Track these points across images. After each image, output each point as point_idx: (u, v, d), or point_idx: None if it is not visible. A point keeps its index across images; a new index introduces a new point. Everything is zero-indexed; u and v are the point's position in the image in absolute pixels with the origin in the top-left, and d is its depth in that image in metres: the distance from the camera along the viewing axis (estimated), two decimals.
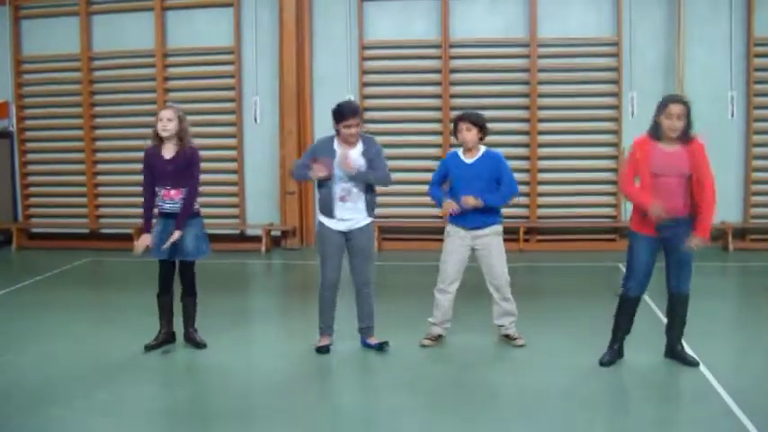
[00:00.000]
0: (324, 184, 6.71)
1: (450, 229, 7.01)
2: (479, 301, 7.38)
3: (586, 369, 6.31)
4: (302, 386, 6.20)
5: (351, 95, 13.19)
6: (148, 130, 13.70)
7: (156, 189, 6.76)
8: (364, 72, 13.30)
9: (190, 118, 14.10)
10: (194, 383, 6.33)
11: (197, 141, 13.63)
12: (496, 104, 13.01)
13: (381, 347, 6.86)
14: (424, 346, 7.05)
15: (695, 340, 6.90)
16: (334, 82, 13.28)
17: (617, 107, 12.71)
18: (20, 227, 13.98)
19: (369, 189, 6.76)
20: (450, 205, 6.84)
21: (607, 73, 12.96)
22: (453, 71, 13.14)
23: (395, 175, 13.00)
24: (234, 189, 13.62)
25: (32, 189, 14.24)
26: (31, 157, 14.20)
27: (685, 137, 6.11)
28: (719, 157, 12.51)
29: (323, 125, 13.26)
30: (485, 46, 13.11)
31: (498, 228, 7.00)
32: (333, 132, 6.84)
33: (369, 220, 6.81)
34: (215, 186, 13.49)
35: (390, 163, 13.06)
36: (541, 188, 13.04)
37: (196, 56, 13.60)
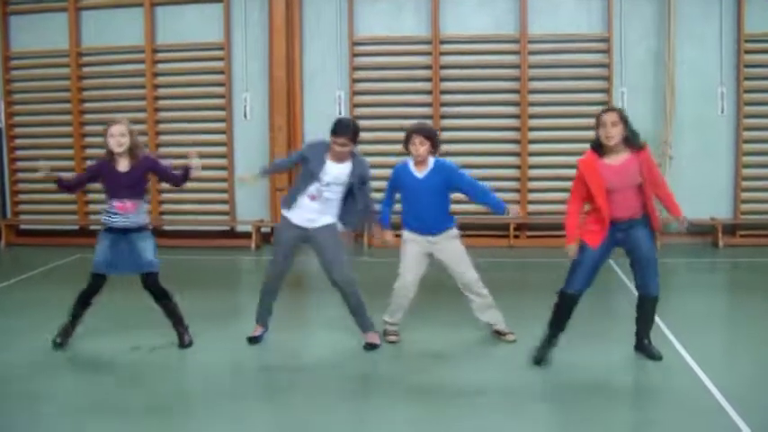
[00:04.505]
0: (300, 182, 6.78)
1: (407, 235, 7.02)
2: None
3: (577, 365, 6.31)
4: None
5: (341, 91, 13.20)
6: (138, 127, 13.71)
7: (109, 202, 6.72)
8: (354, 68, 13.27)
9: (179, 114, 14.16)
10: (178, 380, 6.32)
11: (187, 137, 13.70)
12: (487, 100, 13.02)
13: (368, 347, 6.88)
14: (390, 342, 7.08)
15: (685, 337, 6.94)
16: (324, 78, 13.27)
17: (607, 103, 12.69)
18: (8, 223, 13.92)
19: (340, 200, 6.79)
20: (387, 236, 7.12)
21: (597, 69, 12.96)
22: (443, 67, 13.12)
23: (385, 171, 13.05)
24: (224, 185, 13.59)
25: (21, 185, 14.14)
26: (19, 153, 14.10)
27: (632, 145, 6.11)
28: (709, 152, 12.66)
29: (313, 121, 13.26)
30: (475, 42, 13.10)
31: (453, 231, 7.02)
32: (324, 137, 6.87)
33: (333, 220, 6.85)
34: (205, 183, 13.45)
35: (380, 159, 13.04)
36: (532, 184, 13.04)
37: (185, 52, 13.54)
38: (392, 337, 7.12)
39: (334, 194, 6.73)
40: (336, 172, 6.69)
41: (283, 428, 5.29)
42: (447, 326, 7.54)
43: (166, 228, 13.74)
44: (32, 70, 13.98)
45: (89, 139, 13.78)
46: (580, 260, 6.25)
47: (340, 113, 13.16)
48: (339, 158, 6.70)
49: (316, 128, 13.12)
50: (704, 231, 12.83)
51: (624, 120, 6.06)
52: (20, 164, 14.11)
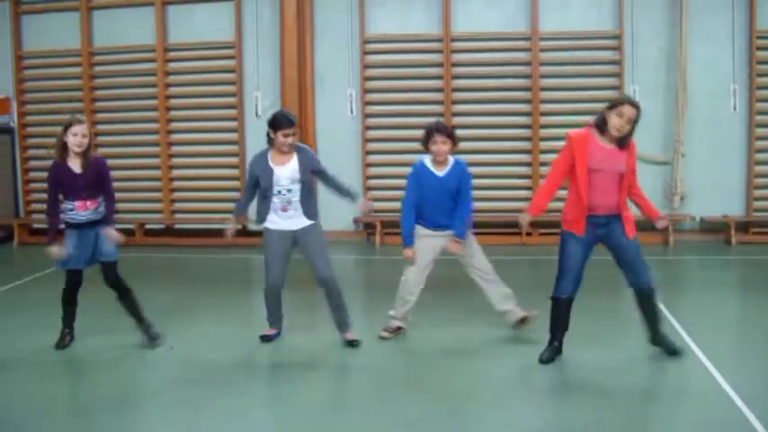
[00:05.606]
0: (262, 197, 6.80)
1: (420, 230, 7.01)
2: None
3: (590, 364, 6.30)
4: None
5: (352, 90, 13.20)
6: (150, 126, 13.70)
7: (68, 203, 6.72)
8: (366, 66, 13.27)
9: (191, 113, 14.17)
10: (186, 377, 6.32)
11: (198, 136, 13.74)
12: (498, 98, 13.00)
13: (352, 344, 6.90)
14: (382, 338, 7.09)
15: (698, 334, 6.91)
16: (335, 76, 13.27)
17: None
18: (21, 223, 13.99)
19: (307, 196, 6.78)
20: (409, 254, 6.96)
21: (609, 66, 12.92)
22: (455, 65, 13.11)
23: (397, 170, 13.07)
24: (235, 184, 13.59)
25: (33, 185, 14.21)
26: (32, 152, 14.17)
27: (624, 142, 6.04)
28: (722, 150, 12.61)
29: (324, 120, 13.27)
30: (486, 40, 13.08)
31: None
32: (299, 141, 6.91)
33: (315, 220, 6.85)
34: (216, 181, 13.49)
35: (390, 157, 13.03)
36: (543, 180, 12.99)
37: (197, 51, 13.58)
38: (385, 333, 7.11)
39: (298, 194, 6.72)
40: (287, 173, 6.69)
41: (289, 426, 5.29)
42: (456, 323, 7.53)
43: (178, 226, 13.78)
44: (44, 70, 14.04)
45: (101, 138, 13.81)
46: (566, 262, 6.23)
47: (351, 112, 13.17)
48: (285, 152, 6.71)
49: (327, 126, 13.14)
50: (717, 229, 12.79)
51: (636, 120, 6.00)
52: (32, 163, 14.17)
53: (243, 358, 6.69)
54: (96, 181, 6.72)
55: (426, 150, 6.95)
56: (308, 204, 6.77)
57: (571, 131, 6.21)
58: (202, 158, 13.76)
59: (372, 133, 13.22)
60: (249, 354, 6.82)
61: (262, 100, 13.37)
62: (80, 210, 6.68)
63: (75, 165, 6.68)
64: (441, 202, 6.89)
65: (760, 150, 12.68)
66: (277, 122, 6.66)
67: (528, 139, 12.96)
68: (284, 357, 6.77)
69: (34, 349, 6.91)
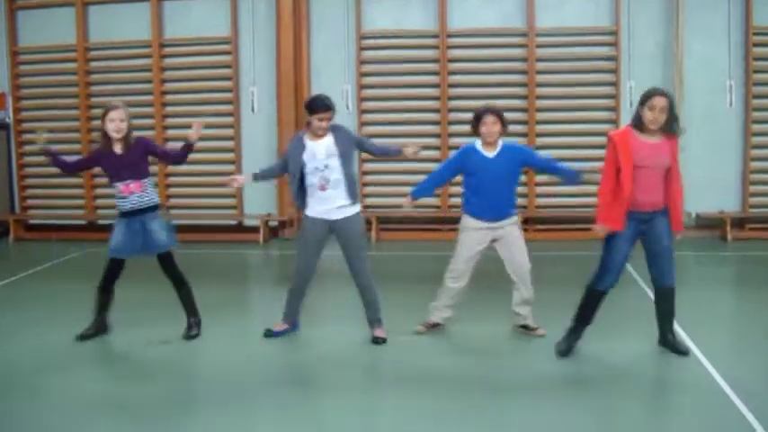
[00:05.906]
0: (298, 178, 6.72)
1: (467, 221, 6.91)
2: (486, 292, 7.34)
3: (585, 357, 6.30)
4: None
5: (348, 86, 13.18)
6: (146, 121, 13.70)
7: (115, 186, 6.73)
8: (362, 62, 13.26)
9: (187, 109, 14.17)
10: (185, 374, 6.31)
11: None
12: (495, 94, 12.96)
13: (376, 341, 6.85)
14: (417, 332, 7.03)
15: (693, 330, 6.91)
16: (331, 72, 13.26)
17: (615, 97, 12.68)
18: (17, 218, 13.96)
19: (347, 173, 6.72)
20: (406, 202, 7.17)
21: (605, 62, 12.93)
22: (451, 61, 13.10)
23: (392, 166, 13.09)
24: None
25: (29, 180, 14.20)
26: (28, 148, 14.12)
27: (668, 130, 6.02)
28: (718, 146, 12.62)
29: None
30: (483, 36, 13.08)
31: (515, 218, 6.96)
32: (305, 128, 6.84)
33: (356, 209, 6.79)
34: (212, 177, 13.46)
35: None
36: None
37: (193, 46, 13.56)
38: (420, 328, 7.06)
39: (337, 171, 6.64)
40: (323, 148, 6.65)
41: (292, 424, 5.28)
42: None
43: (174, 222, 13.74)
44: (40, 65, 14.01)
45: (96, 134, 13.75)
46: (611, 257, 6.19)
47: (347, 108, 13.16)
48: (318, 135, 6.67)
49: None
50: (713, 225, 12.80)
51: (671, 106, 5.99)
52: (28, 159, 14.14)
53: (244, 356, 6.65)
54: (139, 161, 6.72)
55: (476, 134, 6.83)
56: (350, 182, 6.70)
57: (612, 132, 6.18)
58: (198, 154, 13.68)
59: (368, 129, 13.21)
60: (250, 352, 6.79)
61: (258, 95, 13.37)
62: (125, 192, 6.66)
63: (117, 148, 6.71)
64: (494, 187, 6.74)
65: (756, 146, 12.71)
66: (312, 106, 6.66)
67: (524, 134, 12.95)
68: (291, 356, 6.72)
69: (31, 346, 6.88)
